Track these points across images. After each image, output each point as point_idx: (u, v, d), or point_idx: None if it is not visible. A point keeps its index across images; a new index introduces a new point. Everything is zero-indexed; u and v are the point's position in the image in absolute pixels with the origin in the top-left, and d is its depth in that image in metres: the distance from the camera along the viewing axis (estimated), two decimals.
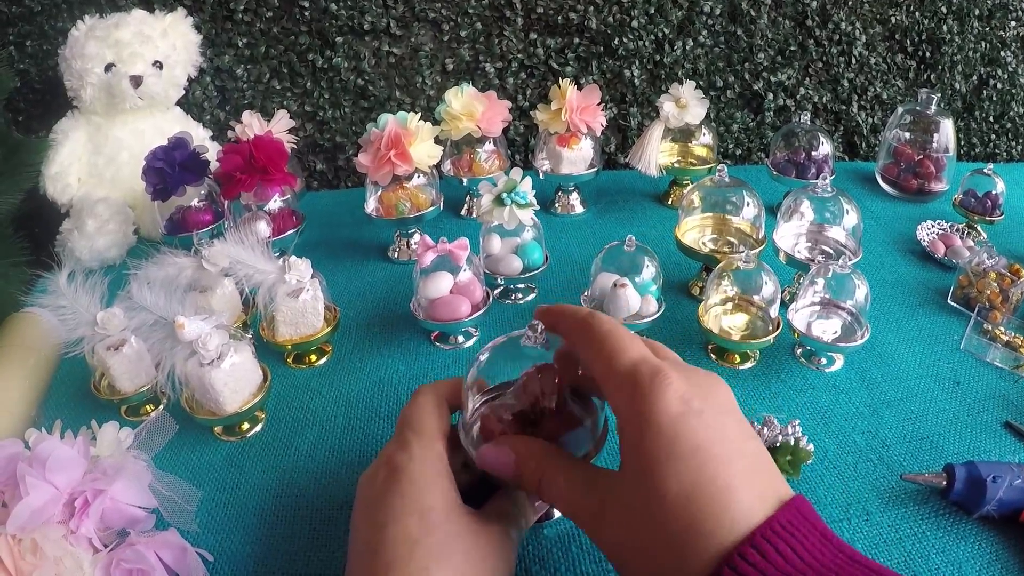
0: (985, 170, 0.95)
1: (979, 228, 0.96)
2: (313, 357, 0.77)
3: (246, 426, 0.68)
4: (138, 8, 1.02)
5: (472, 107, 0.92)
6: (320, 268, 0.90)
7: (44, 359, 0.75)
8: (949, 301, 0.83)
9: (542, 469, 0.45)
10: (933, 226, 0.96)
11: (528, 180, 0.79)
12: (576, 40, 1.12)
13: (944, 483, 0.58)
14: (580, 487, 0.43)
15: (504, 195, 0.77)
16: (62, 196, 0.98)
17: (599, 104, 0.96)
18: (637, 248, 0.73)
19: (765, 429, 0.59)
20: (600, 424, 0.54)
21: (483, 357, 0.54)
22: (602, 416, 0.55)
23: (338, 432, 0.68)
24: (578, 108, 0.93)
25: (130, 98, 0.97)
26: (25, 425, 0.68)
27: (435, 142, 0.87)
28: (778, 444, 0.58)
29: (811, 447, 0.60)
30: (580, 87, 0.95)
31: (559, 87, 0.94)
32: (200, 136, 1.06)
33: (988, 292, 0.80)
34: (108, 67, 0.97)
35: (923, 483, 0.59)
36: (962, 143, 1.26)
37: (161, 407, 0.71)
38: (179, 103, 1.06)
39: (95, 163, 0.99)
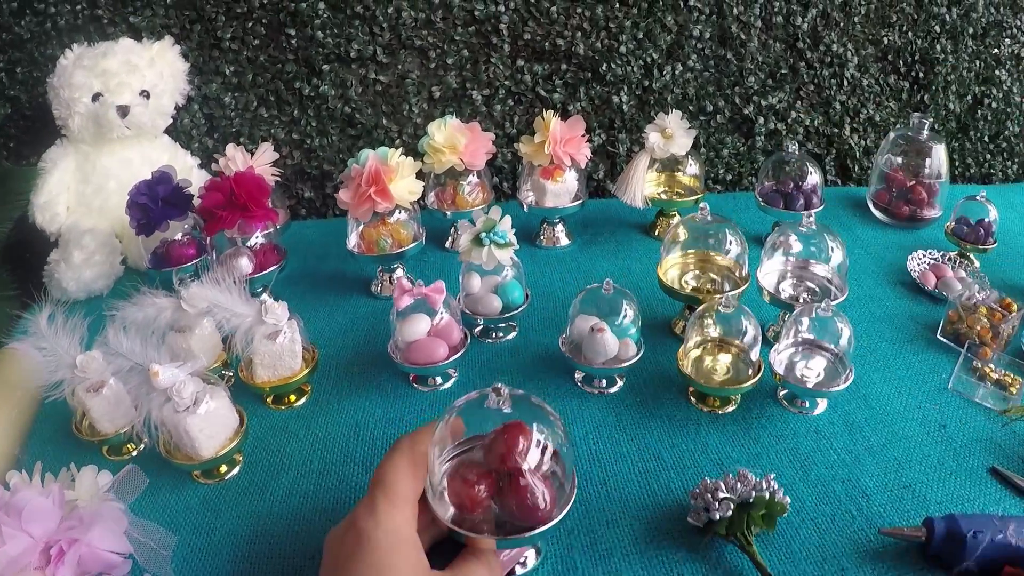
0: (978, 197, 0.93)
1: (972, 257, 0.94)
2: (292, 397, 0.76)
3: (224, 469, 0.68)
4: (126, 37, 1.01)
5: (455, 140, 0.91)
6: (303, 302, 0.90)
7: (28, 396, 0.75)
8: (939, 336, 0.81)
9: None
10: (924, 256, 0.94)
11: (508, 219, 0.77)
12: (564, 66, 1.10)
13: (923, 537, 0.57)
14: None
15: (482, 235, 0.76)
16: (51, 225, 0.97)
17: (583, 135, 0.94)
18: (616, 291, 0.72)
19: (739, 484, 0.58)
20: (569, 480, 0.53)
21: (450, 416, 0.53)
22: (570, 472, 0.54)
23: (313, 477, 0.67)
24: (562, 140, 0.92)
25: (117, 128, 0.96)
26: (8, 463, 0.68)
27: (418, 176, 0.86)
28: (751, 500, 0.57)
29: (787, 500, 0.58)
30: (568, 114, 0.94)
31: (543, 119, 0.92)
32: (188, 164, 1.05)
33: (978, 328, 0.78)
34: (95, 96, 0.96)
35: (901, 537, 0.58)
36: (957, 164, 1.24)
37: (138, 450, 0.71)
38: (167, 131, 1.05)
39: (83, 192, 0.99)
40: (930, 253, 0.95)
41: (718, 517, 0.56)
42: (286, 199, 1.07)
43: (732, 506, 0.56)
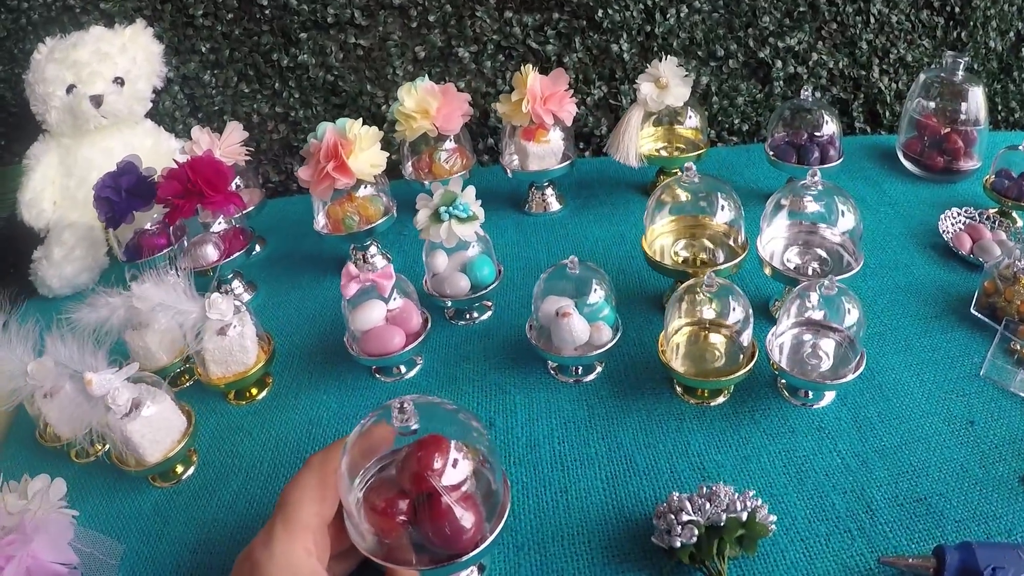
0: (1021, 147, 0.75)
1: (1015, 215, 0.76)
2: (254, 391, 0.69)
3: (180, 469, 0.62)
4: (97, 25, 0.94)
5: (427, 104, 0.80)
6: (277, 285, 0.83)
7: None
8: (972, 311, 0.66)
9: None
10: (959, 215, 0.77)
11: (471, 190, 0.66)
12: (556, 15, 0.96)
13: (931, 571, 0.44)
14: None
15: (441, 209, 0.65)
16: (38, 221, 0.92)
17: (567, 90, 0.81)
18: (583, 268, 0.60)
19: (708, 504, 0.46)
20: (499, 487, 0.44)
21: (350, 440, 0.44)
22: (498, 478, 0.44)
23: (261, 480, 0.60)
24: (543, 96, 0.79)
25: (93, 118, 0.90)
26: None
27: (385, 147, 0.75)
28: (723, 523, 0.45)
29: (772, 519, 0.47)
30: (564, 66, 0.80)
31: (521, 74, 0.79)
32: (173, 147, 0.97)
33: (1018, 302, 0.62)
34: (69, 88, 0.89)
35: (906, 568, 0.45)
36: (1000, 109, 1.03)
37: (104, 450, 0.65)
38: (150, 115, 0.97)
39: (67, 185, 0.93)
40: (966, 211, 0.78)
41: (679, 544, 0.45)
42: (259, 177, 0.98)
43: (697, 531, 0.45)
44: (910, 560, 0.45)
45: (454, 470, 0.42)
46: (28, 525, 0.50)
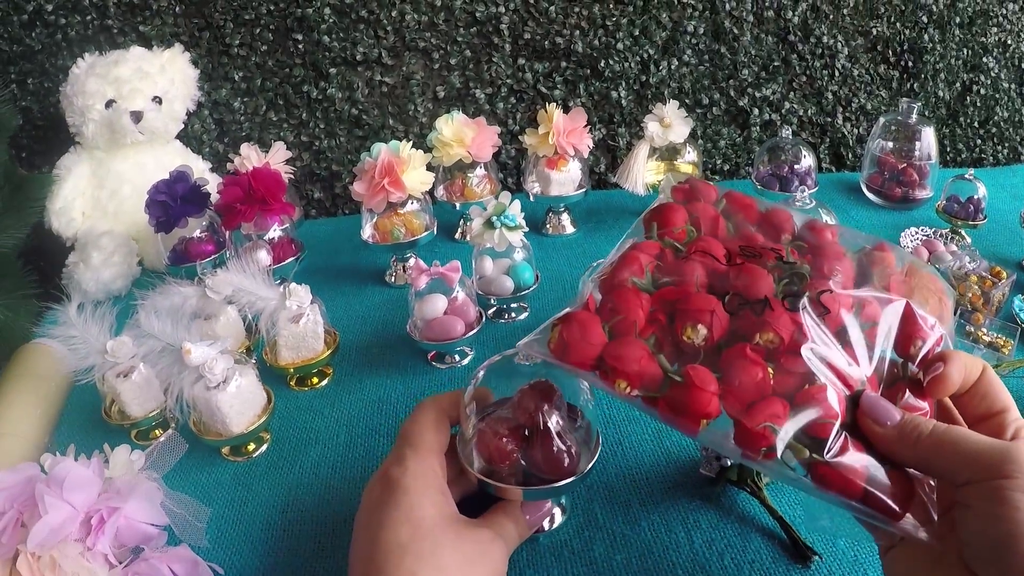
0: (967, 176, 1.00)
1: (963, 232, 1.01)
2: (315, 379, 0.82)
3: (252, 447, 0.73)
4: (136, 45, 1.08)
5: (462, 133, 0.98)
6: (320, 294, 0.95)
7: (55, 388, 0.80)
8: None
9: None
10: (917, 232, 1.01)
11: (517, 203, 0.84)
12: (563, 64, 1.17)
13: None
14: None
15: (493, 218, 0.82)
16: (67, 230, 1.03)
17: (585, 126, 1.01)
18: None
19: None
20: (594, 438, 0.58)
21: (480, 374, 0.59)
22: (595, 430, 0.59)
23: (340, 450, 0.72)
24: (565, 131, 0.99)
25: (131, 133, 1.03)
26: (39, 451, 0.73)
27: (427, 169, 0.93)
28: None
29: None
30: (568, 110, 1.01)
31: (546, 111, 0.99)
32: (200, 168, 1.11)
33: (970, 295, 0.84)
34: (109, 103, 1.02)
35: None
36: (948, 149, 1.31)
37: (171, 430, 0.75)
38: (179, 136, 1.11)
39: (98, 197, 1.05)
40: (922, 230, 1.02)
41: (729, 463, 0.62)
42: (298, 197, 1.13)
43: None
44: None
45: (562, 407, 0.55)
46: (122, 486, 0.57)
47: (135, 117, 1.02)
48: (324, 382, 0.82)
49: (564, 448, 0.55)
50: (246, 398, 0.70)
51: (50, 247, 1.05)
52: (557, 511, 0.62)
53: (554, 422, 0.55)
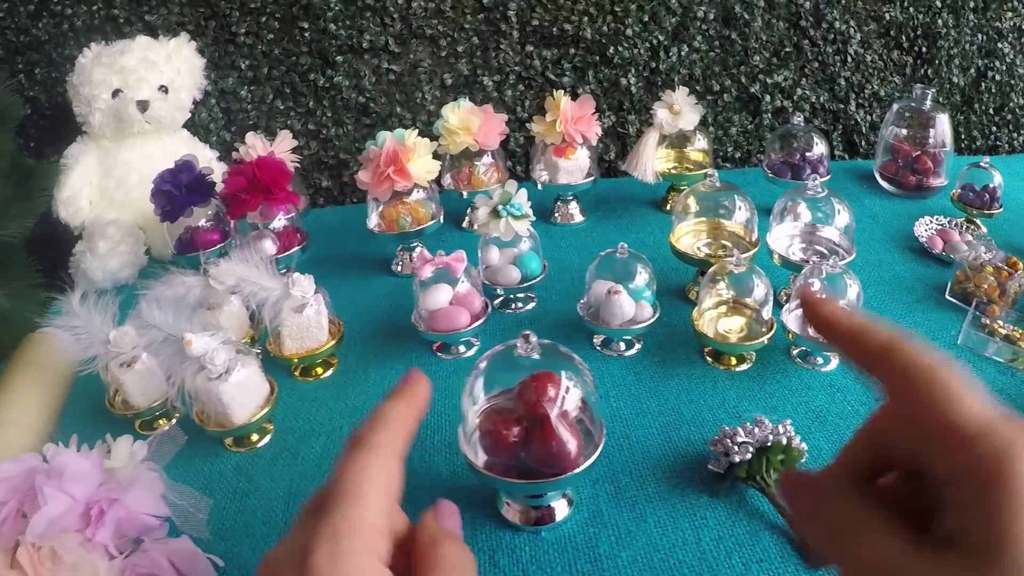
0: (982, 164, 0.96)
1: (978, 222, 0.97)
2: (319, 370, 0.80)
3: (255, 438, 0.72)
4: (142, 35, 1.07)
5: (469, 121, 0.96)
6: (325, 283, 0.94)
7: (59, 377, 0.79)
8: (947, 296, 0.85)
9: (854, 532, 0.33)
10: (931, 222, 0.98)
11: (523, 192, 0.81)
12: (572, 50, 1.15)
13: None
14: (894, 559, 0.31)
15: (499, 207, 0.80)
16: (74, 219, 1.02)
17: (594, 114, 0.98)
18: (630, 255, 0.76)
19: (756, 429, 0.61)
20: (598, 431, 0.57)
21: (482, 366, 0.57)
22: (599, 422, 0.57)
23: (343, 442, 0.70)
24: (573, 119, 0.96)
25: (137, 122, 1.01)
26: (42, 441, 0.72)
27: (433, 157, 0.90)
28: (769, 443, 0.61)
29: (804, 446, 0.62)
30: (576, 97, 0.98)
31: (554, 98, 0.97)
32: (207, 157, 1.10)
33: (985, 286, 0.81)
34: (115, 93, 1.01)
35: None
36: (963, 137, 1.28)
37: (173, 420, 0.74)
38: (186, 125, 1.10)
39: (105, 186, 1.04)
40: (937, 219, 0.99)
41: (738, 460, 0.60)
42: (305, 186, 1.11)
43: (751, 450, 0.60)
44: None
45: (563, 400, 0.54)
46: (123, 477, 0.57)
47: (141, 106, 1.01)
48: (328, 373, 0.80)
49: (566, 441, 0.54)
50: (248, 389, 0.69)
51: (57, 236, 1.04)
52: (563, 503, 0.61)
53: (555, 414, 0.53)
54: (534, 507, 0.60)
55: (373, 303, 0.91)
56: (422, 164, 0.88)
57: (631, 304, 0.75)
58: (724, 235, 0.86)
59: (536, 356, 0.55)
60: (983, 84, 1.25)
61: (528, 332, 0.55)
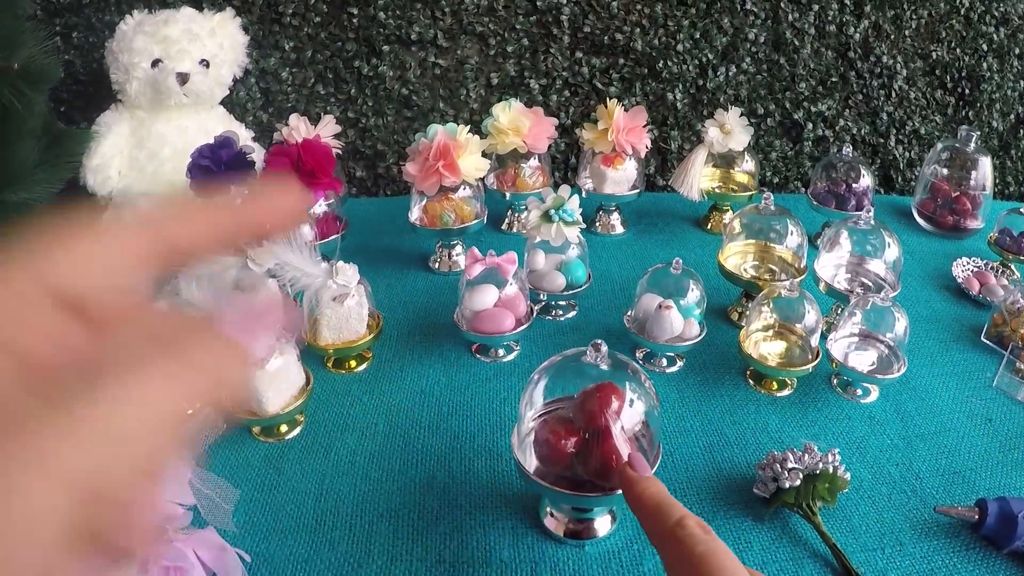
0: (1021, 210, 0.97)
1: (1013, 267, 0.98)
2: (353, 363, 0.80)
3: (284, 428, 0.71)
4: (187, 6, 1.05)
5: (519, 122, 0.95)
6: (361, 275, 0.94)
7: None
8: (983, 339, 0.85)
9: None
10: (968, 263, 0.99)
11: (575, 198, 0.81)
12: (621, 61, 1.15)
13: (976, 517, 0.61)
14: None
15: (552, 211, 0.80)
16: (102, 188, 1.01)
17: (644, 126, 0.99)
18: (683, 271, 0.76)
19: (806, 456, 0.62)
20: (655, 448, 0.57)
21: (545, 370, 0.57)
22: (657, 441, 0.57)
23: (379, 439, 0.70)
24: (624, 129, 0.96)
25: (175, 95, 1.00)
26: None
27: (482, 156, 0.90)
28: (818, 472, 0.61)
29: (848, 476, 0.62)
30: (624, 108, 0.98)
31: (606, 107, 0.97)
32: (243, 136, 1.09)
33: (1022, 331, 0.82)
34: (155, 63, 1.00)
35: (956, 516, 0.61)
36: (997, 181, 1.29)
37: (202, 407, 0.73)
38: (223, 103, 1.09)
39: (137, 157, 1.02)
40: (974, 261, 0.99)
41: (787, 486, 0.60)
42: (343, 174, 1.11)
43: (801, 476, 0.60)
44: (959, 509, 0.61)
45: (626, 413, 0.54)
46: None
47: (181, 79, 1.00)
48: (363, 366, 0.80)
49: (624, 455, 0.53)
50: (285, 378, 0.68)
51: (80, 204, 1.02)
52: (606, 518, 0.61)
53: (617, 427, 0.53)
54: (579, 520, 0.60)
55: (410, 299, 0.90)
56: (472, 161, 0.88)
57: (680, 320, 0.75)
58: (773, 259, 0.86)
59: (604, 367, 0.55)
60: (1021, 131, 1.26)
61: (599, 341, 0.55)
